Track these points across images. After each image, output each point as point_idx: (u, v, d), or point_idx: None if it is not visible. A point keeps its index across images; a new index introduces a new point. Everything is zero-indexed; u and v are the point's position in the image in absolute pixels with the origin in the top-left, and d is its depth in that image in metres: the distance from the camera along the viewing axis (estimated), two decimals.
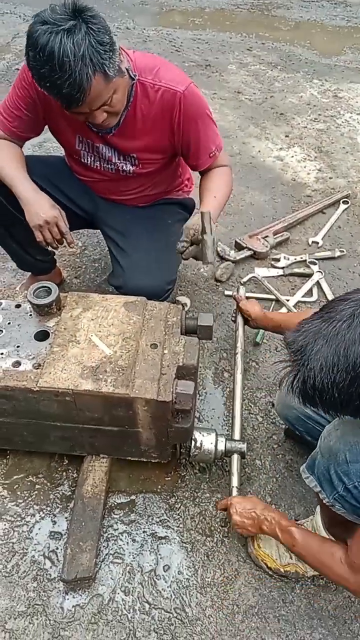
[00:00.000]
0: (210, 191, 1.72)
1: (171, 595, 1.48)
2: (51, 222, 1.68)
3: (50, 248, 1.79)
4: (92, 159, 1.81)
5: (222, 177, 1.78)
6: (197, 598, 1.48)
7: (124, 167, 1.80)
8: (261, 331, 2.17)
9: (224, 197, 1.75)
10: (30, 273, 2.25)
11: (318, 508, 1.47)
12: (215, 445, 1.60)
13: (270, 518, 1.40)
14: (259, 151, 3.38)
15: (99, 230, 2.13)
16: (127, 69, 1.56)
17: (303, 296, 2.37)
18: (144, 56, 1.66)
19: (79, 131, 1.73)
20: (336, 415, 1.08)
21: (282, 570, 1.48)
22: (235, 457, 1.63)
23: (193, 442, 1.59)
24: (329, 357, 0.96)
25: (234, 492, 1.58)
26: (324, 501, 1.26)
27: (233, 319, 2.03)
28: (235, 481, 1.60)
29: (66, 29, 1.30)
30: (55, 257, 2.24)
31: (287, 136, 3.54)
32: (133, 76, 1.59)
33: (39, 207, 1.67)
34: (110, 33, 1.39)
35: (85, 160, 1.82)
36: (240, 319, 1.98)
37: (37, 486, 1.69)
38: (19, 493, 1.68)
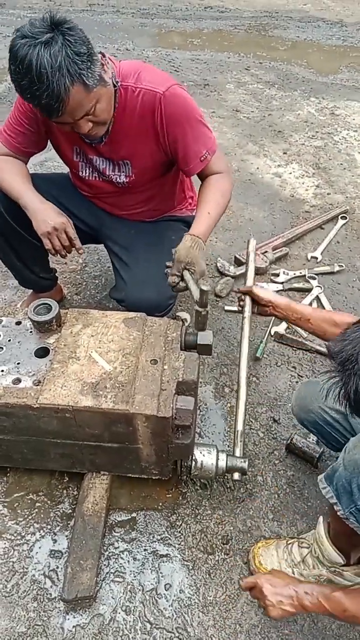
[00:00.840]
0: (204, 207, 1.68)
1: (173, 615, 1.47)
2: (59, 229, 1.70)
3: (59, 256, 1.79)
4: (89, 171, 1.83)
5: (218, 187, 1.73)
6: (199, 617, 1.46)
7: (118, 179, 1.81)
8: (261, 345, 2.18)
9: (220, 211, 1.71)
10: (31, 290, 2.26)
11: (321, 518, 1.45)
12: (217, 461, 1.59)
13: (310, 590, 1.22)
14: (258, 168, 3.42)
15: (99, 248, 2.15)
16: (112, 76, 1.58)
17: None
18: (129, 63, 1.67)
19: (75, 143, 1.76)
20: None
21: None
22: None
23: (194, 459, 1.58)
24: None
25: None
26: (339, 513, 1.25)
27: (240, 309, 1.90)
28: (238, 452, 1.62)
29: (43, 41, 1.34)
30: (56, 274, 2.26)
31: (285, 153, 3.59)
32: (115, 83, 1.60)
33: (47, 215, 1.69)
34: (88, 44, 1.42)
35: (83, 174, 1.85)
36: (248, 309, 1.85)
37: (37, 504, 1.68)
38: (19, 511, 1.67)
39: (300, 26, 5.81)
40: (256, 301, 1.84)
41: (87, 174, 1.84)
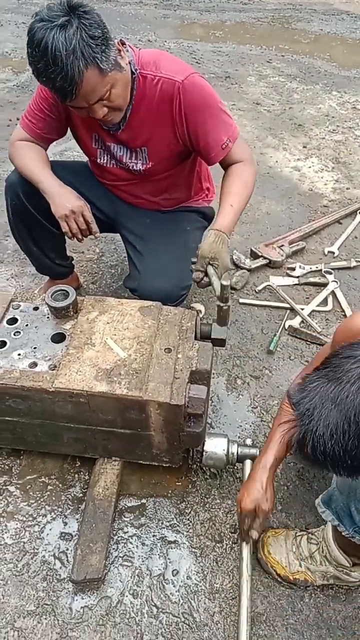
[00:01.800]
0: (227, 199, 1.67)
1: (179, 600, 1.48)
2: (77, 212, 1.72)
3: (75, 240, 1.80)
4: (107, 158, 1.85)
5: (241, 178, 1.70)
6: (205, 604, 1.48)
7: (134, 167, 1.82)
8: (275, 339, 2.18)
9: (243, 202, 1.69)
10: (48, 277, 2.29)
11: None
12: (227, 451, 1.60)
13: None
14: (277, 161, 3.40)
15: (116, 238, 2.17)
16: (130, 63, 1.59)
17: (318, 305, 2.37)
18: (149, 51, 1.67)
19: (94, 130, 1.77)
20: (350, 477, 1.00)
21: (291, 577, 1.47)
22: (247, 462, 1.63)
23: (205, 448, 1.60)
24: (340, 424, 0.89)
25: None
26: (343, 534, 1.26)
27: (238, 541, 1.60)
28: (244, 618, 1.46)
29: (59, 24, 1.35)
30: (73, 262, 2.28)
31: (304, 147, 3.56)
32: (134, 70, 1.60)
33: (65, 199, 1.72)
34: (104, 28, 1.43)
35: (101, 160, 1.86)
36: (246, 555, 1.49)
37: (49, 487, 1.71)
38: (31, 493, 1.70)
39: (324, 19, 5.74)
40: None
41: (105, 161, 1.85)
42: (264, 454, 1.46)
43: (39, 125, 1.76)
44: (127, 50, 1.60)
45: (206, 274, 1.60)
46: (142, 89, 1.63)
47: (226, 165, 1.75)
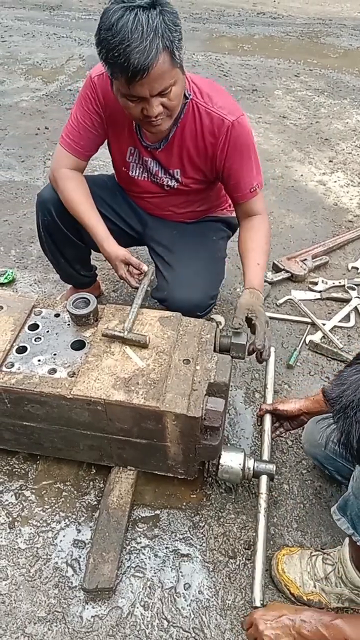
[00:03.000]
0: (253, 256, 1.74)
1: (190, 615, 1.47)
2: (126, 258, 1.76)
3: (128, 284, 1.80)
4: (140, 171, 1.86)
5: (263, 233, 1.80)
6: (216, 620, 1.46)
7: (169, 182, 1.85)
8: (295, 353, 2.16)
9: (266, 258, 1.79)
10: (71, 285, 2.32)
11: (347, 540, 1.43)
12: (244, 466, 1.59)
13: (308, 618, 1.18)
14: (302, 175, 3.39)
15: (138, 248, 2.18)
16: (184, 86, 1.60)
17: (340, 321, 2.34)
18: (202, 80, 1.71)
19: (132, 143, 1.79)
20: None
21: (305, 598, 1.45)
22: (263, 478, 1.61)
23: (220, 461, 1.58)
24: None
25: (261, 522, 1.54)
26: (358, 544, 1.23)
27: (258, 424, 1.81)
28: (263, 503, 1.56)
29: (141, 5, 1.34)
30: (96, 271, 2.30)
31: (330, 161, 3.55)
32: (187, 95, 1.63)
33: (115, 247, 1.77)
34: (180, 24, 1.42)
35: (134, 173, 1.87)
36: (268, 426, 1.74)
37: (64, 493, 1.72)
38: (46, 499, 1.70)
39: (354, 34, 5.73)
40: (285, 416, 1.75)
41: (138, 174, 1.87)
42: None
43: (81, 144, 1.78)
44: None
45: (246, 323, 1.65)
46: (192, 115, 1.66)
47: (244, 210, 1.82)
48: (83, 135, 1.77)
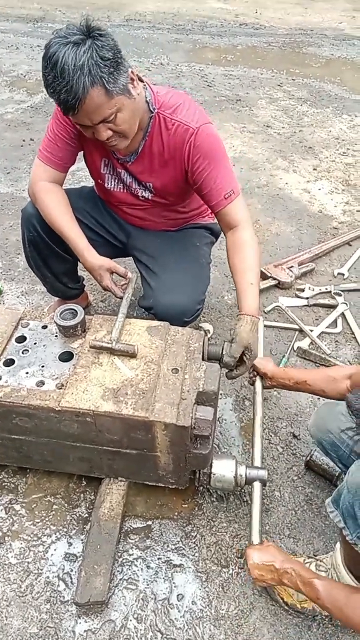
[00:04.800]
0: (245, 276, 1.68)
1: (184, 626, 1.46)
2: (110, 266, 1.77)
3: (112, 293, 1.80)
4: (115, 182, 1.88)
5: (253, 250, 1.72)
6: (210, 630, 1.45)
7: (143, 194, 1.86)
8: (284, 360, 2.17)
9: (258, 275, 1.75)
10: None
11: (338, 545, 1.43)
12: (236, 473, 1.58)
13: (291, 570, 1.31)
14: (287, 183, 3.43)
15: (125, 258, 2.19)
16: (147, 102, 1.64)
17: (327, 327, 2.36)
18: (169, 92, 1.72)
19: (105, 155, 1.81)
20: None
21: (298, 606, 1.44)
22: (256, 484, 1.60)
23: (212, 470, 1.58)
24: None
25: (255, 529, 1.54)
26: (347, 538, 1.23)
27: (251, 381, 1.84)
28: (256, 513, 1.56)
29: (72, 41, 1.40)
30: (84, 282, 2.30)
31: (314, 169, 3.59)
32: (152, 109, 1.65)
33: (95, 257, 1.78)
34: (116, 52, 1.46)
35: (109, 185, 1.89)
36: (259, 383, 1.80)
37: (54, 506, 1.70)
38: (36, 512, 1.69)
39: (335, 44, 5.83)
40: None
41: (113, 186, 1.89)
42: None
43: (58, 156, 1.79)
44: (146, 89, 1.65)
45: (239, 363, 1.66)
46: (158, 128, 1.68)
47: (225, 221, 1.75)
48: (60, 148, 1.78)
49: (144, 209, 1.94)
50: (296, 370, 1.72)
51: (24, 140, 3.82)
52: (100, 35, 1.44)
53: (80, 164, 1.94)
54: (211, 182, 1.70)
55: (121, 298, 1.73)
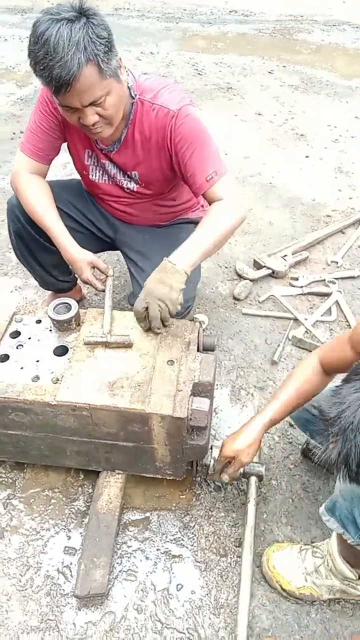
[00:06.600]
0: (194, 233, 1.59)
1: (184, 615, 1.47)
2: (92, 261, 1.77)
3: (93, 287, 1.78)
4: (100, 174, 1.86)
5: (219, 214, 1.61)
6: (210, 619, 1.46)
7: (128, 185, 1.84)
8: (279, 349, 2.17)
9: (213, 238, 1.59)
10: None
11: (334, 533, 1.44)
12: None
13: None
14: (279, 171, 3.41)
15: (112, 252, 2.18)
16: (129, 87, 1.61)
17: (322, 315, 2.36)
18: (149, 79, 1.69)
19: (88, 146, 1.79)
20: None
21: (296, 592, 1.46)
22: (252, 478, 1.61)
23: (211, 461, 1.58)
24: None
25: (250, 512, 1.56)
26: (349, 541, 1.25)
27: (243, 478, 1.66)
28: (252, 502, 1.57)
29: (66, 18, 1.37)
30: (76, 276, 2.28)
31: (307, 157, 3.57)
32: (134, 95, 1.63)
33: (77, 250, 1.77)
34: (109, 33, 1.44)
35: (94, 177, 1.87)
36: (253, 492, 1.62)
37: (52, 500, 1.71)
38: (34, 507, 1.69)
39: (325, 30, 5.77)
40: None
41: (97, 177, 1.87)
42: (262, 411, 1.46)
43: (40, 147, 1.77)
44: (129, 75, 1.62)
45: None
46: (140, 114, 1.65)
47: (208, 202, 1.68)
48: (42, 139, 1.76)
49: (131, 203, 1.92)
50: (273, 405, 1.45)
51: (14, 133, 3.78)
52: (94, 14, 1.41)
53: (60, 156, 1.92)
54: (193, 164, 1.64)
55: (103, 291, 1.72)
